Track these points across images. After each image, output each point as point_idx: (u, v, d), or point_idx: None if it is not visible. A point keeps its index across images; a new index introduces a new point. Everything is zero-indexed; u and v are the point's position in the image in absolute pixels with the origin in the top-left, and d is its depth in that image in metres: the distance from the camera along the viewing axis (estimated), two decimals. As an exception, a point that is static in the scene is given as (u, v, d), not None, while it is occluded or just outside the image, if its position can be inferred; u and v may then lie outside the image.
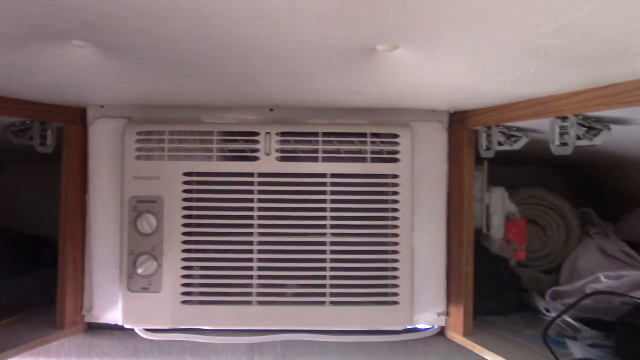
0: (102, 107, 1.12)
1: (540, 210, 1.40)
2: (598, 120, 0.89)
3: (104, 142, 1.13)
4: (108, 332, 1.18)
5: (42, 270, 1.39)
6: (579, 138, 0.90)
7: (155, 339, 1.17)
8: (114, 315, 1.13)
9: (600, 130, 0.89)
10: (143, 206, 1.08)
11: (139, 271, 1.07)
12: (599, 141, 0.89)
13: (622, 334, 0.97)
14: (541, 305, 1.23)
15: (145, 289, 1.08)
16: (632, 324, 0.95)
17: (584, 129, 0.89)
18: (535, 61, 0.69)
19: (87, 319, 1.16)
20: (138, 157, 1.08)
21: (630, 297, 1.04)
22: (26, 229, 1.57)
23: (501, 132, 1.06)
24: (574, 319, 1.08)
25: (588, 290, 1.12)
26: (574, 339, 1.03)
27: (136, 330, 1.16)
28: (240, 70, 0.80)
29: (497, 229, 1.20)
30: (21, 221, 1.58)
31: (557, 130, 0.92)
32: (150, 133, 1.09)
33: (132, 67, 0.80)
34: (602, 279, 1.14)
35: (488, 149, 1.09)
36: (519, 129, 1.05)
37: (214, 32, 0.63)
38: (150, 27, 0.62)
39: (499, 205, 1.20)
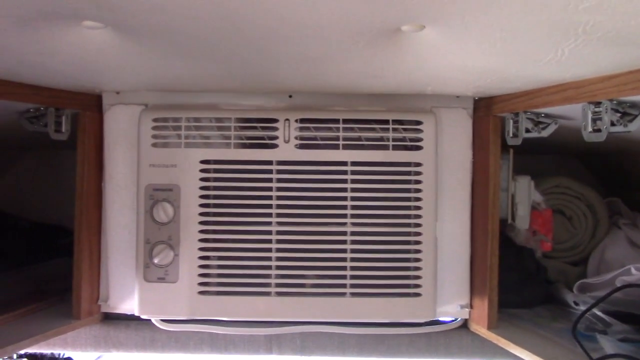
0: (118, 93, 1.10)
1: (567, 199, 1.36)
2: (633, 105, 0.84)
3: (119, 129, 1.10)
4: (124, 322, 1.17)
5: (57, 259, 1.38)
6: (612, 124, 0.86)
7: (172, 329, 1.15)
8: (130, 305, 1.12)
9: (635, 116, 0.85)
10: (159, 194, 1.05)
11: (155, 260, 1.05)
12: (633, 127, 0.85)
13: (655, 328, 0.94)
14: (569, 297, 1.19)
15: (161, 279, 1.06)
16: (665, 318, 0.92)
17: (618, 115, 0.86)
18: (571, 41, 0.66)
19: (103, 309, 1.14)
20: (154, 144, 1.06)
21: (663, 290, 1.00)
22: (41, 217, 1.56)
23: (529, 119, 1.03)
24: (604, 312, 1.04)
25: (618, 283, 1.08)
26: (604, 332, 1.00)
27: (153, 320, 1.14)
28: (257, 52, 0.77)
29: (523, 219, 1.17)
30: (37, 210, 1.57)
31: (590, 116, 0.88)
32: (166, 120, 1.06)
33: (147, 49, 0.77)
34: (633, 270, 1.09)
35: (514, 135, 1.05)
36: (547, 115, 1.02)
37: (229, 10, 0.60)
38: (164, 5, 0.59)
39: (525, 194, 1.17)
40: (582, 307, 1.10)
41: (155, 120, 1.06)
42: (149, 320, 1.14)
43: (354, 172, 1.06)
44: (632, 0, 0.52)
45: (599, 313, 1.04)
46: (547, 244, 1.24)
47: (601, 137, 0.87)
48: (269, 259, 1.05)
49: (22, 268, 1.37)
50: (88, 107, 1.09)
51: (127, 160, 1.10)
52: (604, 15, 0.56)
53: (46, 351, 1.24)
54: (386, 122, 1.06)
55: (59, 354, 1.42)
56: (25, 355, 1.32)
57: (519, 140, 1.04)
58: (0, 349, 0.92)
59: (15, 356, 1.31)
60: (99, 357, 1.77)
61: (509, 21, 0.61)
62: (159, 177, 1.05)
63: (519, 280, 1.21)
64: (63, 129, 1.07)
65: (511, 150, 1.12)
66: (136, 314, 1.08)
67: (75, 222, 1.09)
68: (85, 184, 1.09)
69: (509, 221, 1.16)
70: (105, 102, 1.10)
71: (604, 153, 1.43)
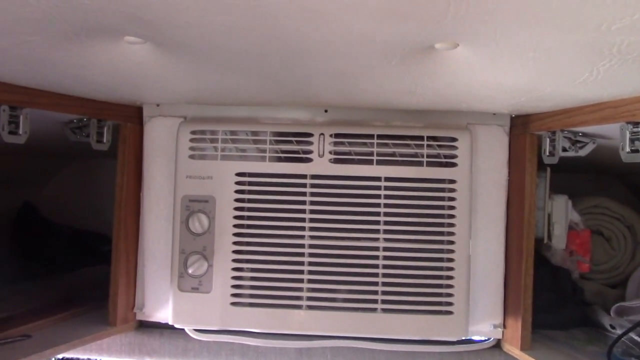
0: (158, 105, 1.13)
1: (606, 220, 1.33)
2: (672, 125, 0.83)
3: (158, 140, 1.13)
4: (158, 330, 1.18)
5: (96, 266, 1.41)
6: (650, 144, 0.84)
7: (204, 339, 1.16)
8: (165, 314, 1.14)
9: (674, 137, 0.83)
10: (195, 205, 1.07)
11: (190, 271, 1.06)
12: (672, 148, 0.83)
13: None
14: (605, 320, 1.17)
15: (195, 289, 1.07)
16: None
17: (657, 135, 0.84)
18: (606, 61, 0.65)
19: (139, 317, 1.16)
20: (191, 156, 1.08)
21: None
22: (83, 225, 1.60)
23: (566, 137, 1.01)
24: (642, 336, 1.01)
25: (657, 307, 1.06)
26: (641, 358, 0.97)
27: (186, 330, 1.16)
28: (291, 67, 0.79)
29: (559, 239, 1.15)
30: (78, 217, 1.61)
31: (628, 136, 0.86)
32: (203, 132, 1.08)
33: (184, 63, 0.79)
34: (673, 295, 1.07)
35: (551, 154, 1.04)
36: (585, 134, 1.00)
37: (264, 27, 0.61)
38: (198, 24, 0.60)
39: (562, 213, 1.15)
40: (619, 331, 1.07)
41: (193, 132, 1.08)
42: (183, 329, 1.16)
43: (387, 188, 1.06)
44: (666, 21, 0.51)
45: (636, 337, 1.02)
46: (585, 265, 1.22)
47: (639, 158, 0.85)
48: (301, 272, 1.06)
49: (62, 274, 1.41)
50: (129, 118, 1.12)
51: (165, 172, 1.12)
52: (637, 35, 0.55)
53: (83, 357, 1.26)
54: (421, 138, 1.06)
55: (95, 360, 1.44)
56: (63, 359, 1.35)
57: (556, 159, 1.03)
58: (39, 353, 0.95)
59: (53, 360, 1.34)
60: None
61: (541, 41, 0.60)
62: (195, 188, 1.07)
63: (554, 301, 1.19)
64: (104, 140, 1.10)
65: (548, 169, 1.10)
66: (170, 322, 1.09)
67: (114, 230, 1.12)
68: (124, 193, 1.11)
69: (545, 241, 1.15)
70: (145, 114, 1.13)
71: (645, 173, 1.40)
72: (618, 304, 1.18)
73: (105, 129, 1.10)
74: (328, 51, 0.70)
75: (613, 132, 0.90)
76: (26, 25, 0.61)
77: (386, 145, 1.06)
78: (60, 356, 1.28)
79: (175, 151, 1.09)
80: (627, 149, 0.87)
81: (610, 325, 1.15)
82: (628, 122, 0.86)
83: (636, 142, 0.86)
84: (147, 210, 1.14)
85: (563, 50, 0.63)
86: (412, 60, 0.72)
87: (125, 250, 1.13)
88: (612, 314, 1.18)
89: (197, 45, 0.70)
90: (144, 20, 0.60)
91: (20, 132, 0.92)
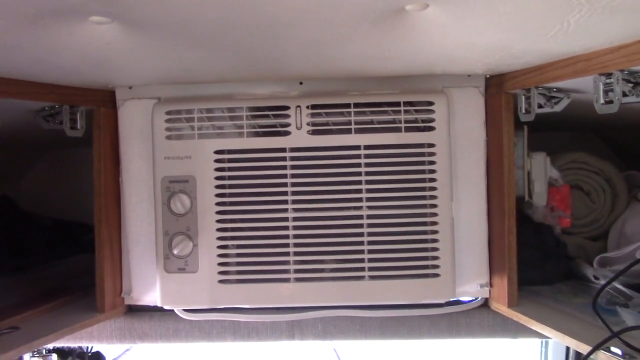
0: (130, 88, 1.11)
1: (584, 174, 1.34)
2: (645, 74, 0.84)
3: (134, 123, 1.12)
4: (148, 313, 1.18)
5: (80, 255, 1.40)
6: (624, 95, 0.85)
7: (194, 319, 1.16)
8: (153, 297, 1.13)
9: (647, 86, 0.84)
10: (175, 186, 1.07)
11: (175, 252, 1.06)
12: (646, 97, 0.84)
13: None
14: (589, 272, 1.19)
15: (181, 269, 1.07)
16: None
17: (630, 85, 0.85)
18: (575, 11, 0.65)
19: (127, 302, 1.16)
20: (168, 137, 1.07)
21: (684, 260, 0.99)
22: (63, 215, 1.59)
23: (541, 94, 1.02)
24: (625, 285, 1.03)
25: (638, 255, 1.07)
26: (625, 306, 0.99)
27: (176, 311, 1.16)
28: (263, 38, 0.78)
29: (540, 196, 1.16)
30: (58, 208, 1.60)
31: (601, 88, 0.87)
32: (179, 112, 1.07)
33: (154, 42, 0.78)
34: (653, 243, 1.09)
35: (527, 112, 1.04)
36: (559, 90, 1.01)
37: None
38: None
39: (541, 171, 1.16)
40: (603, 281, 1.09)
41: (168, 113, 1.07)
42: (172, 310, 1.16)
43: (367, 156, 1.06)
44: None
45: (620, 286, 1.04)
46: (566, 220, 1.23)
47: (614, 109, 0.86)
48: (287, 245, 1.06)
49: (46, 265, 1.40)
50: (102, 103, 1.10)
51: (143, 154, 1.11)
52: (606, -18, 0.56)
53: (74, 345, 1.26)
54: (397, 104, 1.06)
55: (87, 348, 1.44)
56: (54, 349, 1.34)
57: (532, 116, 1.04)
58: (28, 344, 0.94)
59: (44, 351, 1.33)
60: (127, 350, 1.80)
61: (511, -7, 0.60)
62: (174, 169, 1.07)
63: (538, 257, 1.20)
64: (78, 126, 1.08)
65: (525, 127, 1.11)
66: (159, 304, 1.09)
67: (95, 217, 1.11)
68: (102, 179, 1.10)
69: (526, 199, 1.16)
70: (118, 97, 1.12)
71: (620, 126, 1.41)
72: (600, 256, 1.20)
73: (79, 114, 1.08)
74: (299, 19, 0.69)
75: (587, 85, 0.90)
76: (-13, 9, 0.60)
77: (363, 113, 1.06)
78: (50, 346, 1.28)
79: (152, 133, 1.08)
80: (601, 101, 0.88)
81: (594, 277, 1.17)
82: (601, 74, 0.86)
83: (609, 94, 0.86)
84: (128, 195, 1.13)
85: (533, 3, 0.63)
86: (384, 24, 0.71)
87: (109, 236, 1.12)
88: (595, 265, 1.20)
89: (166, 21, 0.69)
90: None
91: (-10, 123, 0.91)
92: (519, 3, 0.63)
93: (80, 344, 1.20)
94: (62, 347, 1.33)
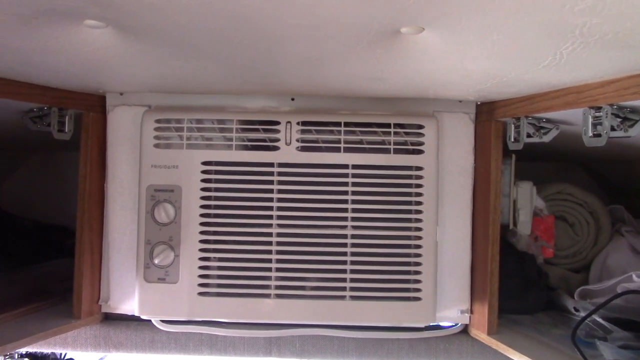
0: (121, 94, 1.11)
1: (569, 206, 1.35)
2: (634, 110, 0.84)
3: (122, 130, 1.11)
4: (124, 322, 1.17)
5: (60, 259, 1.38)
6: (612, 129, 0.85)
7: (172, 330, 1.15)
8: (131, 306, 1.12)
9: (635, 121, 0.85)
10: (160, 195, 1.06)
11: (156, 261, 1.05)
12: (634, 132, 0.85)
13: (656, 335, 0.93)
14: (569, 304, 1.19)
15: (161, 279, 1.06)
16: (666, 325, 0.91)
17: (618, 120, 0.85)
18: (569, 43, 0.66)
19: (104, 309, 1.14)
20: (156, 145, 1.06)
21: (664, 297, 1.00)
22: (45, 218, 1.57)
23: (530, 124, 1.02)
24: (604, 319, 1.03)
25: (619, 290, 1.08)
26: (604, 339, 0.99)
27: (153, 321, 1.14)
28: (257, 52, 0.78)
29: (524, 225, 1.17)
30: (40, 211, 1.58)
31: (590, 121, 0.88)
32: (168, 121, 1.07)
33: (148, 49, 0.77)
34: (634, 277, 1.09)
35: (516, 140, 1.05)
36: (549, 120, 1.01)
37: (228, 11, 0.60)
38: (163, 5, 0.59)
39: (527, 200, 1.17)
40: (583, 314, 1.09)
41: (157, 121, 1.06)
42: (149, 321, 1.14)
43: (355, 175, 1.06)
44: (626, 1, 0.51)
45: (600, 320, 1.04)
46: (549, 250, 1.24)
47: (601, 142, 0.87)
48: (269, 261, 1.05)
49: (24, 268, 1.38)
50: (92, 107, 1.10)
51: (130, 161, 1.10)
52: (599, 17, 0.56)
53: (47, 351, 1.24)
54: (388, 125, 1.06)
55: (61, 355, 1.42)
56: (27, 354, 1.32)
57: (520, 145, 1.04)
58: (0, 347, 0.93)
59: (17, 356, 1.31)
60: (101, 358, 1.77)
61: (505, 23, 0.61)
62: (160, 177, 1.06)
63: (520, 286, 1.20)
64: (66, 129, 1.07)
65: (513, 156, 1.12)
66: (136, 314, 1.08)
67: (77, 222, 1.10)
68: (87, 184, 1.09)
69: (511, 227, 1.16)
70: (108, 103, 1.11)
71: (606, 160, 1.43)
72: (582, 288, 1.20)
73: (67, 118, 1.07)
74: (294, 35, 0.69)
75: (576, 117, 0.91)
76: (-19, 8, 0.60)
77: (353, 132, 1.06)
78: (23, 351, 1.26)
79: (140, 140, 1.07)
80: (590, 134, 0.88)
81: (574, 308, 1.17)
82: (591, 107, 0.87)
83: (598, 127, 0.87)
84: (112, 201, 1.12)
85: (526, 33, 0.64)
86: (379, 45, 0.72)
87: (90, 242, 1.10)
88: (575, 297, 1.20)
89: (161, 29, 0.68)
90: (103, 1, 0.58)
91: (-22, 121, 0.90)
92: (512, 32, 0.64)
93: (53, 350, 1.18)
94: (35, 352, 1.31)
